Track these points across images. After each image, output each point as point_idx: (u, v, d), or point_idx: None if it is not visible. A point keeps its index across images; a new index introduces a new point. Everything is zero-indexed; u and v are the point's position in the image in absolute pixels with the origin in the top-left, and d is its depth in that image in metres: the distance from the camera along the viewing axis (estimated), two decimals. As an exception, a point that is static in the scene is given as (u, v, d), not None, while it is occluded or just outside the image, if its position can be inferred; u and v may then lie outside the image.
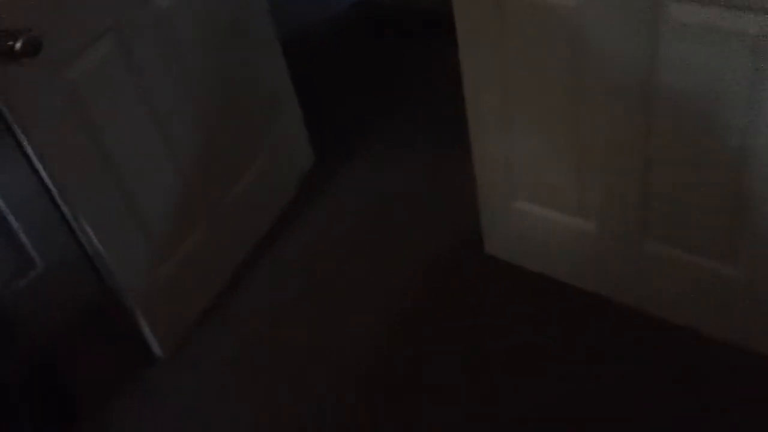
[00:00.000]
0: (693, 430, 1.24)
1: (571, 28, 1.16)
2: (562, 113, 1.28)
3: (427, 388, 1.41)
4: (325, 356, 1.51)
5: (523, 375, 1.39)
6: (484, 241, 1.62)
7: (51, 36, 1.17)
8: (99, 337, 1.63)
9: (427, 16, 2.36)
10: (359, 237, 1.78)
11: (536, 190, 1.44)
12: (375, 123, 2.11)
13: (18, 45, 1.11)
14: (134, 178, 1.41)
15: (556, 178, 1.39)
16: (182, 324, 1.60)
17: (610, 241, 1.39)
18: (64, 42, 1.22)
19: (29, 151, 1.51)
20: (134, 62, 1.36)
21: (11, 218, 1.55)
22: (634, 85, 1.15)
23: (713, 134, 1.14)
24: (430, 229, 1.75)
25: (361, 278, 1.67)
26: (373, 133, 2.08)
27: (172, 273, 1.55)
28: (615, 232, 1.37)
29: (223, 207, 1.67)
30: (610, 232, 1.38)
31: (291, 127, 1.89)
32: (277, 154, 1.82)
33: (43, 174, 1.55)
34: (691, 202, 1.24)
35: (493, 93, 1.34)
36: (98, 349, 1.61)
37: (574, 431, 1.28)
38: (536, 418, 1.31)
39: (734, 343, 1.32)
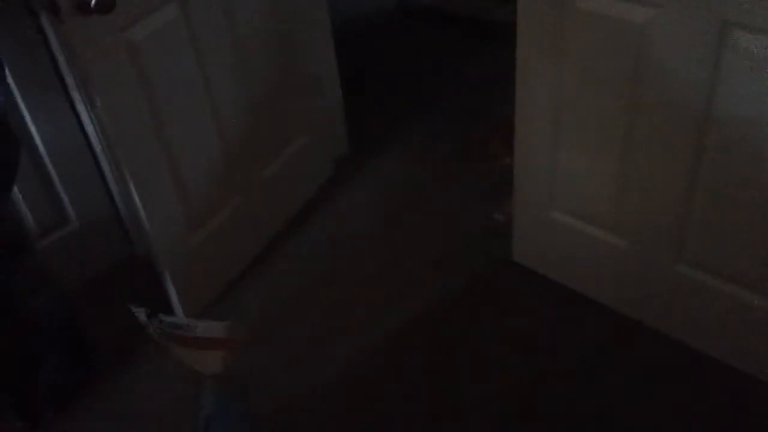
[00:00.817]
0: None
1: (635, 44, 1.17)
2: (613, 128, 1.29)
3: (435, 385, 1.42)
4: (340, 341, 1.53)
5: (533, 380, 1.40)
6: (512, 248, 1.63)
7: (122, -4, 1.20)
8: (125, 298, 1.65)
9: (474, 22, 2.39)
10: (385, 229, 1.79)
11: (574, 203, 1.45)
12: (412, 119, 2.12)
13: (93, 1, 1.13)
14: (180, 143, 1.43)
15: (596, 192, 1.40)
16: (208, 293, 1.62)
17: (642, 260, 1.39)
18: (134, 4, 1.24)
19: (79, 107, 1.54)
20: (194, 31, 1.38)
21: (52, 171, 1.57)
22: (691, 108, 1.16)
23: (761, 166, 1.15)
24: (457, 229, 1.76)
25: (382, 270, 1.68)
26: (409, 128, 2.09)
27: (204, 242, 1.56)
28: (648, 252, 1.38)
29: (259, 182, 1.69)
30: (643, 251, 1.38)
31: (331, 113, 1.91)
32: (315, 137, 1.84)
33: (90, 131, 1.58)
34: (729, 230, 1.25)
35: (545, 102, 1.35)
36: (123, 309, 1.63)
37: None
38: (542, 422, 1.33)
39: (755, 375, 1.33)
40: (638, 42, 1.16)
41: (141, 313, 1.10)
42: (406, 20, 2.58)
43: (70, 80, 1.48)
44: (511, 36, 1.32)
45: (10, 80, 1.35)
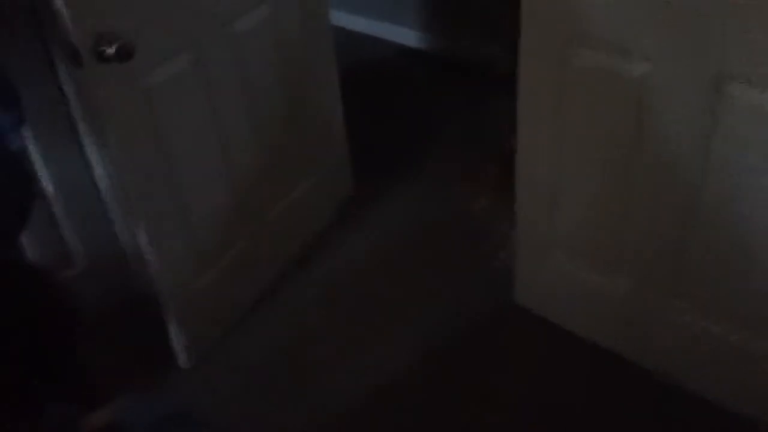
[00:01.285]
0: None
1: (633, 97, 1.21)
2: (614, 175, 1.33)
3: (435, 422, 1.42)
4: (344, 381, 1.53)
5: (530, 425, 1.41)
6: (515, 291, 1.65)
7: (139, 45, 1.24)
8: (126, 339, 1.64)
9: (476, 67, 2.47)
10: (389, 270, 1.81)
11: (575, 246, 1.48)
12: (417, 160, 2.17)
13: (111, 50, 1.17)
14: (190, 186, 1.46)
15: (597, 236, 1.42)
16: (209, 334, 1.62)
17: (642, 304, 1.41)
18: (148, 53, 1.28)
19: (89, 151, 1.57)
20: (206, 79, 1.42)
21: (59, 214, 1.58)
22: (689, 157, 1.20)
23: (756, 213, 1.18)
24: (461, 271, 1.77)
25: (386, 312, 1.69)
26: (413, 168, 2.13)
27: (209, 284, 1.57)
28: (647, 296, 1.40)
29: (265, 224, 1.71)
30: (642, 295, 1.40)
31: (337, 155, 1.95)
32: (321, 179, 1.87)
33: (98, 175, 1.60)
34: (726, 274, 1.27)
35: (546, 149, 1.39)
36: (124, 350, 1.62)
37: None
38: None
39: (755, 420, 1.33)
40: (635, 95, 1.21)
41: None
42: (413, 67, 2.67)
43: (81, 124, 1.51)
44: (515, 84, 1.37)
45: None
